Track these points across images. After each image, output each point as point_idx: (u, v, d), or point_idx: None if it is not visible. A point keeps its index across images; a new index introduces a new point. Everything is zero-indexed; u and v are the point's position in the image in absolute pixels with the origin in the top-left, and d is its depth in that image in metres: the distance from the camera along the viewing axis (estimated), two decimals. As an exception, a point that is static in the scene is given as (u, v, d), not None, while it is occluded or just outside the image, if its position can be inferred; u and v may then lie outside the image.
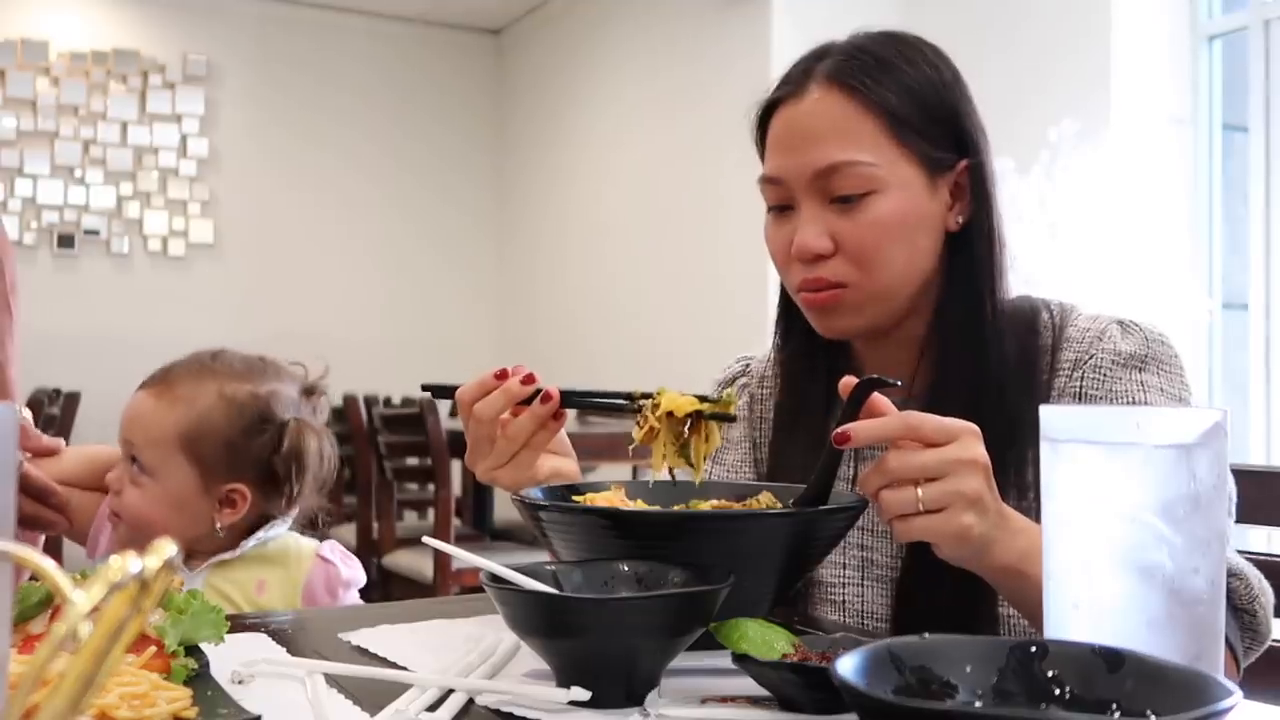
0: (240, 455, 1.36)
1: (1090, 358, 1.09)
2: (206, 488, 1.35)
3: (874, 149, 1.08)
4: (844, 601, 1.16)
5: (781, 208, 1.13)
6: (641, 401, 1.00)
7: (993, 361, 1.09)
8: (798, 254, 1.09)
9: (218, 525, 1.35)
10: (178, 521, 1.33)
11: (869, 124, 1.08)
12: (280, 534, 1.41)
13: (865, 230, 1.07)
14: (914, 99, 1.09)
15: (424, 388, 1.12)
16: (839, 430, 0.86)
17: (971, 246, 1.11)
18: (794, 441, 1.19)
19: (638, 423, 0.99)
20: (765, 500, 0.99)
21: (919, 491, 0.83)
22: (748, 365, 1.32)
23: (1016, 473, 1.07)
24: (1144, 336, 1.10)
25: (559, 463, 1.12)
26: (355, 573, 1.41)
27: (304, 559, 1.39)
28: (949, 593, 1.03)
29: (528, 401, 1.04)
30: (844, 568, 1.17)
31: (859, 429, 0.86)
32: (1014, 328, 1.11)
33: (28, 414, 1.43)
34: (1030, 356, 1.10)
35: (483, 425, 1.05)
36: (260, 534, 1.38)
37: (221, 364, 1.40)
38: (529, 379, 1.04)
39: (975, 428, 0.86)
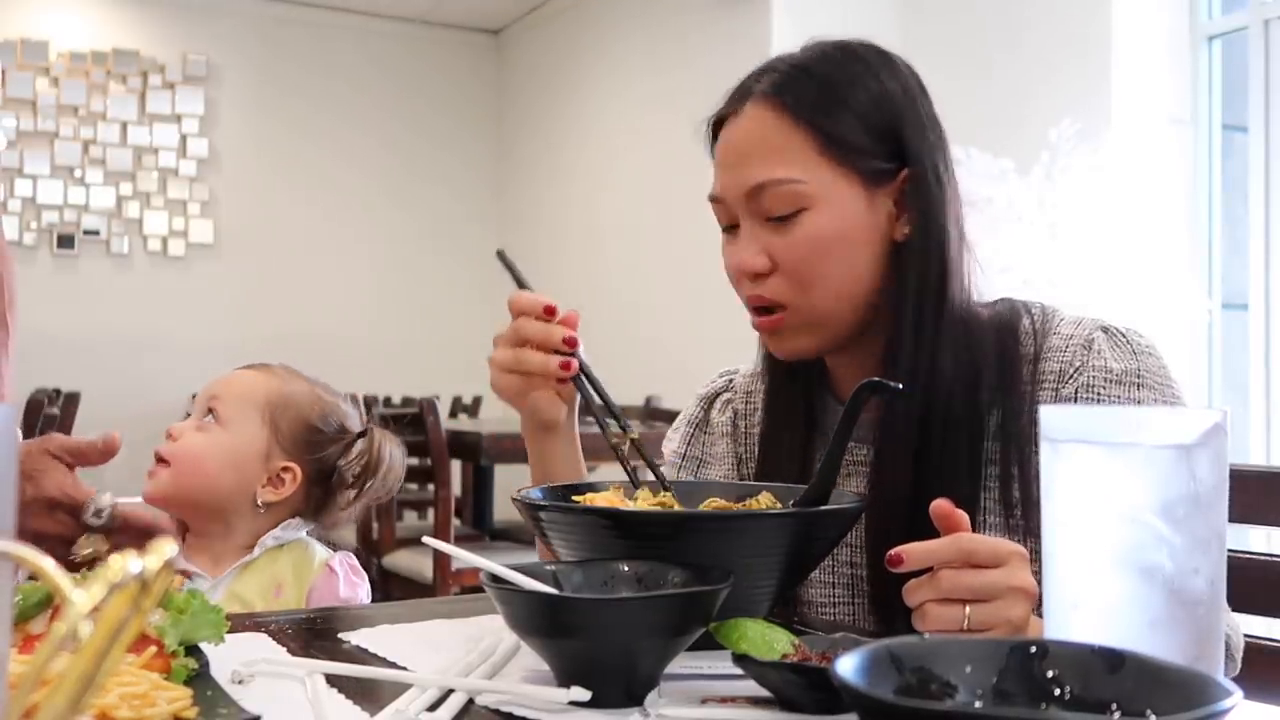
0: (311, 441, 1.39)
1: (1079, 373, 1.07)
2: (268, 455, 1.37)
3: (803, 166, 1.07)
4: (835, 621, 1.15)
5: (731, 226, 1.13)
6: (619, 435, 1.04)
7: (945, 375, 1.07)
8: (736, 271, 1.11)
9: (259, 501, 1.37)
10: (228, 477, 1.35)
11: (799, 141, 1.07)
12: (298, 536, 1.40)
13: (798, 247, 1.07)
14: (850, 113, 1.08)
15: (499, 253, 1.16)
16: (893, 552, 0.84)
17: (914, 256, 1.09)
18: (779, 452, 1.18)
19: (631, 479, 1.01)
20: (765, 500, 0.99)
21: (966, 610, 0.82)
22: (731, 380, 1.31)
23: (1002, 486, 1.06)
24: (1131, 348, 1.08)
25: (546, 405, 1.12)
26: (355, 592, 1.39)
27: (314, 567, 1.39)
28: None
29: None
30: (833, 587, 1.16)
31: (912, 552, 0.84)
32: (990, 335, 1.10)
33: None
34: (1012, 366, 1.09)
35: (517, 333, 1.09)
36: (277, 532, 1.38)
37: (316, 381, 1.47)
38: (571, 341, 1.07)
39: (1024, 552, 0.85)
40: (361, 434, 1.44)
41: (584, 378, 1.09)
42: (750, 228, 1.10)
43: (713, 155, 1.16)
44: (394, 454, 1.44)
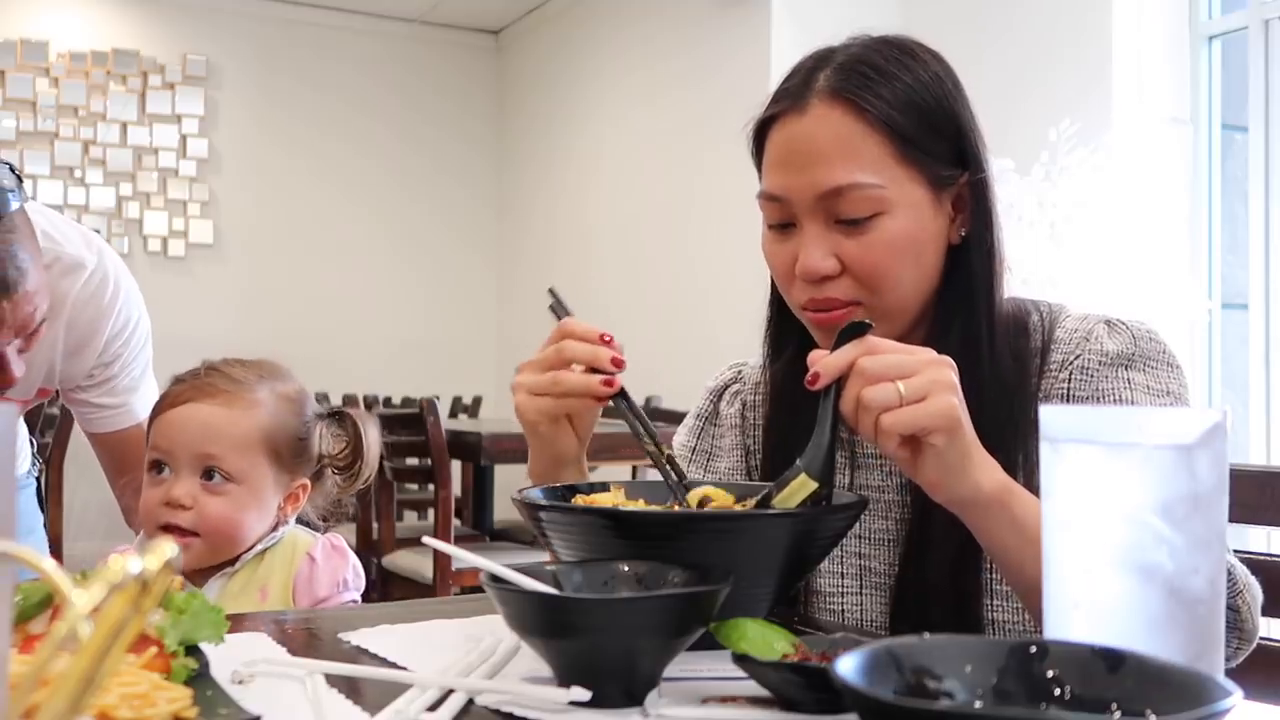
0: (306, 449, 1.39)
1: (1077, 358, 1.08)
2: (280, 485, 1.37)
3: (880, 169, 1.04)
4: (842, 611, 1.15)
5: (782, 225, 1.10)
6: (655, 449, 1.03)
7: (989, 371, 1.07)
8: (803, 275, 1.07)
9: (279, 521, 1.37)
10: (258, 522, 1.34)
11: (874, 143, 1.04)
12: (281, 536, 1.38)
13: (872, 252, 1.05)
14: (918, 114, 1.06)
15: (551, 290, 1.13)
16: (809, 374, 0.88)
17: (970, 259, 1.10)
18: (788, 453, 1.17)
19: (674, 491, 1.00)
20: (765, 500, 0.99)
21: (900, 387, 0.86)
22: (740, 372, 1.30)
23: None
24: (1131, 334, 1.09)
25: (563, 440, 1.09)
26: (337, 576, 1.35)
27: (297, 558, 1.36)
28: (944, 597, 1.05)
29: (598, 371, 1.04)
30: (842, 577, 1.16)
31: (826, 363, 0.88)
32: (1007, 333, 1.10)
33: None
34: (1022, 362, 1.09)
35: (560, 354, 1.04)
36: (260, 545, 1.35)
37: (256, 367, 1.42)
38: (618, 362, 1.04)
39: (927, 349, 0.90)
40: (334, 414, 1.43)
41: (625, 397, 1.06)
42: (817, 230, 1.06)
43: (755, 152, 1.13)
44: (373, 434, 1.45)
